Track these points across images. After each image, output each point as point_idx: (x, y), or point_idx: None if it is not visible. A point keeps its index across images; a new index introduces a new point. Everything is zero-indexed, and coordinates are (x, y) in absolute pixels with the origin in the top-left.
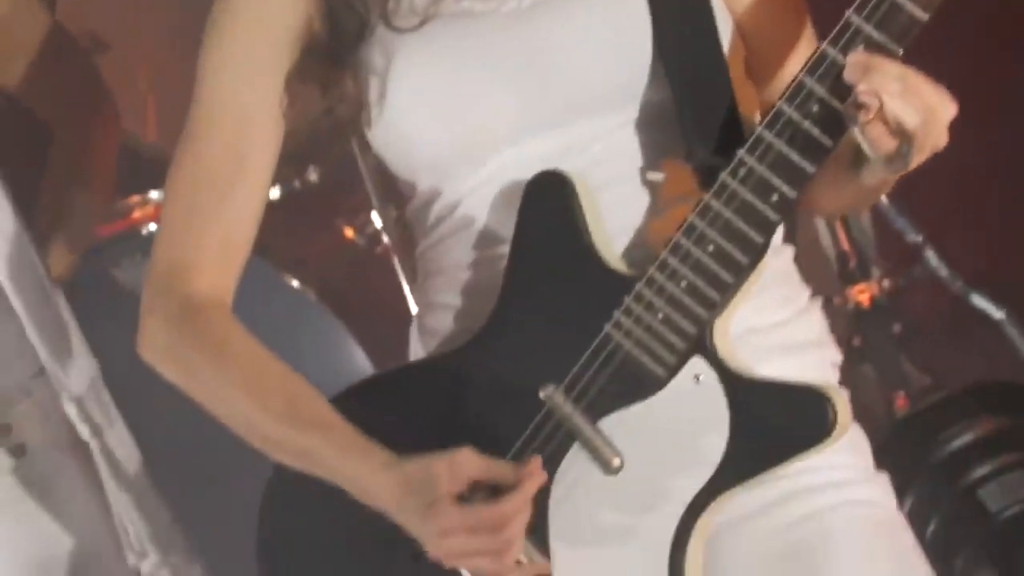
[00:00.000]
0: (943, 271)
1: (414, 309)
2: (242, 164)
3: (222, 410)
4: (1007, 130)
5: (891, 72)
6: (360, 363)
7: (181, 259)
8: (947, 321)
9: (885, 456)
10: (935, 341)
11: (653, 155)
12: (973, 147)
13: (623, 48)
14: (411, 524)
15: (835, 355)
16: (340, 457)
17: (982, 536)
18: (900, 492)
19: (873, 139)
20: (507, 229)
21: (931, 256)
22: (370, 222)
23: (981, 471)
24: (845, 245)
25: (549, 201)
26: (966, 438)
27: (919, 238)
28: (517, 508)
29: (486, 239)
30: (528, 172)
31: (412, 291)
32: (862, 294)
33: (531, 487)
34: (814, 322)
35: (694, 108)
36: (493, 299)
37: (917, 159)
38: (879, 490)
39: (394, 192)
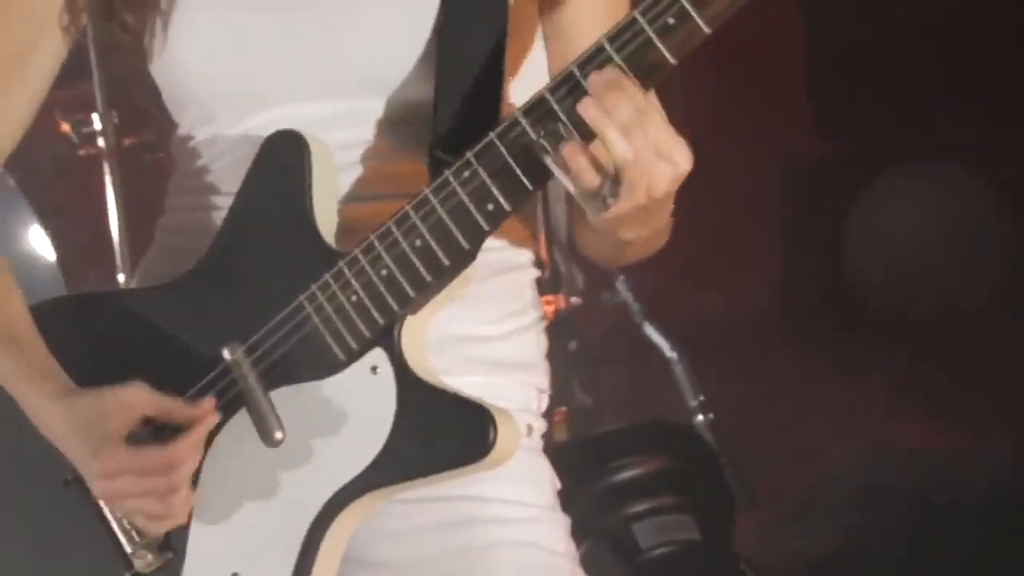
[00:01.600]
0: (629, 299)
1: (113, 217)
2: (23, 60)
3: None
4: (710, 175)
5: (633, 98)
6: (43, 257)
7: None
8: (624, 349)
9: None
10: (608, 366)
11: (399, 149)
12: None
13: (401, 38)
14: (78, 462)
15: (543, 382)
16: (17, 377)
17: (627, 568)
18: (562, 507)
19: (576, 169)
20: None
21: (622, 283)
22: (89, 121)
23: (640, 506)
24: (543, 255)
25: (281, 160)
26: (634, 471)
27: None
28: (187, 451)
29: (218, 191)
30: None
31: (117, 202)
32: (548, 305)
33: (202, 429)
34: (530, 345)
35: (453, 114)
36: (202, 248)
37: (624, 207)
38: (550, 532)
39: (120, 99)
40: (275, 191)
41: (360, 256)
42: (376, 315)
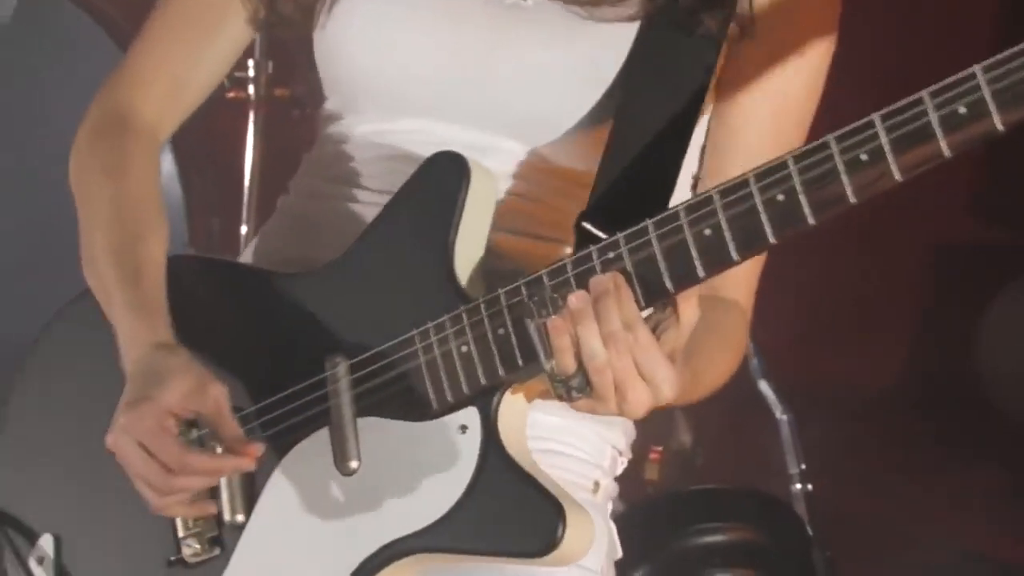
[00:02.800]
0: (749, 351)
1: (248, 166)
2: (224, 22)
3: (83, 220)
4: (858, 238)
5: (624, 308)
6: (170, 193)
7: (140, 76)
8: (733, 400)
9: (637, 517)
10: (714, 414)
11: (534, 196)
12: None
13: (570, 90)
14: (120, 403)
15: (621, 443)
16: (127, 310)
17: None
18: (636, 559)
19: (556, 347)
20: (376, 183)
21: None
22: (244, 66)
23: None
24: None
25: (438, 185)
26: (717, 537)
27: None
28: (205, 470)
29: (351, 184)
30: (427, 149)
31: (254, 152)
32: None
33: (233, 464)
34: (607, 453)
35: (614, 187)
36: (326, 239)
37: (593, 405)
38: None
39: (279, 49)
40: (423, 215)
41: (483, 306)
42: (480, 373)
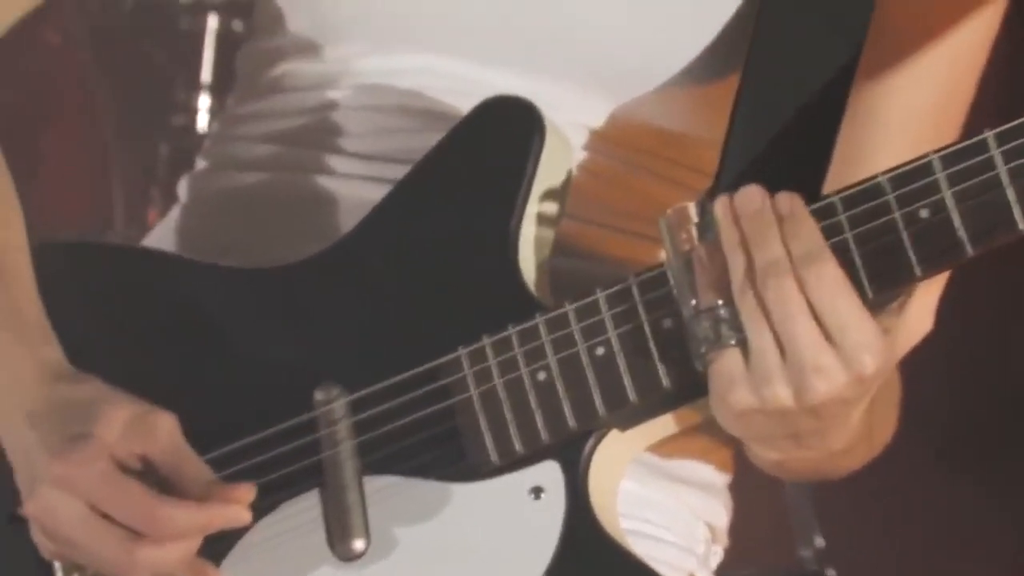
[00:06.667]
0: None
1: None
2: None
3: None
4: None
5: (801, 236)
6: None
7: None
8: None
9: None
10: None
11: (612, 167)
12: None
13: (690, 22)
14: (29, 456)
15: (719, 519)
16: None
17: None
18: None
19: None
20: (360, 146)
21: None
22: None
23: None
24: None
25: (499, 141)
26: None
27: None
28: (188, 526)
29: (319, 146)
30: (450, 100)
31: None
32: None
33: (222, 515)
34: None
35: (750, 162)
36: (281, 225)
37: (743, 398)
38: None
39: None
40: (471, 186)
41: (571, 316)
42: (568, 414)
